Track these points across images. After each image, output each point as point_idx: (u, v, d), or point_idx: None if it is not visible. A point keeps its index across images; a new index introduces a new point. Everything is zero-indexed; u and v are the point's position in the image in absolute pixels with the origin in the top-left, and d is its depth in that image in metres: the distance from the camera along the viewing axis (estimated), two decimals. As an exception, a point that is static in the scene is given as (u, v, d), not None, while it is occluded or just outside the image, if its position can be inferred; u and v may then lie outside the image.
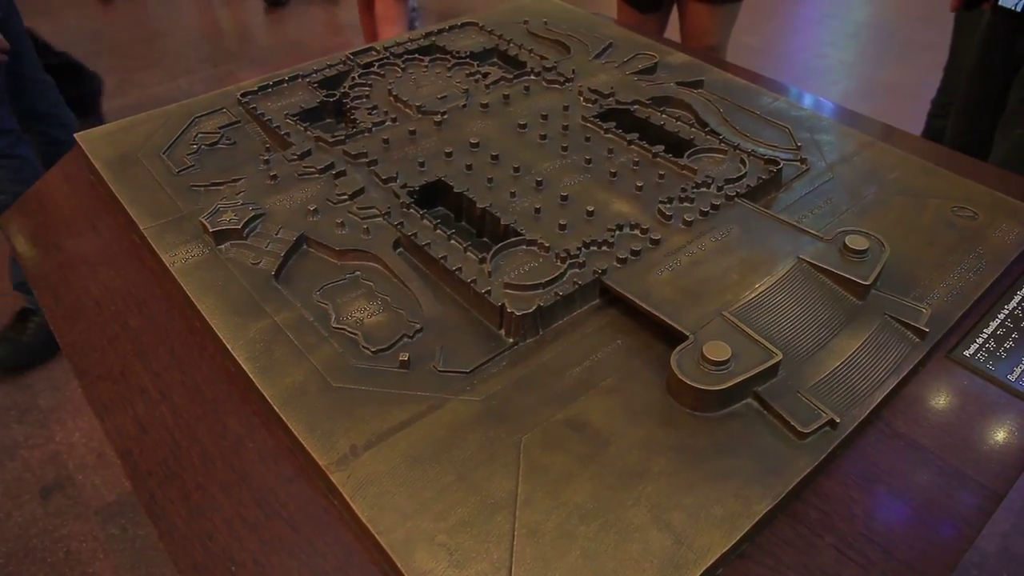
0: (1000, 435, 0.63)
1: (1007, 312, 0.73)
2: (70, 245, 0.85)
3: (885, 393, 0.62)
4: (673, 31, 1.82)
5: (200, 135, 0.93)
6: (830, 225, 0.80)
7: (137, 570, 1.32)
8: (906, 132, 1.04)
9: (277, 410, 0.61)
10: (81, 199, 0.91)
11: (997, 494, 0.58)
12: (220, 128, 0.94)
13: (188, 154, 0.90)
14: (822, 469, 0.59)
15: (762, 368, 0.60)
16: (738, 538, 0.52)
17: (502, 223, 0.76)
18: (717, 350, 0.60)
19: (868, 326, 0.66)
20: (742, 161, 0.85)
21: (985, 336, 0.70)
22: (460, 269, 0.70)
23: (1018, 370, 0.67)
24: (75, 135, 0.93)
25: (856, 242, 0.70)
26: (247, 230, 0.77)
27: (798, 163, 0.89)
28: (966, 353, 0.69)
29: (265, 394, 0.62)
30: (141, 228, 0.79)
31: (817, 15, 3.41)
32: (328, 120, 0.99)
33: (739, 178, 0.82)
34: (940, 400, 0.66)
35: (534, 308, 0.66)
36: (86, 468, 1.48)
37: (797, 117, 0.99)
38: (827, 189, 0.86)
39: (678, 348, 0.62)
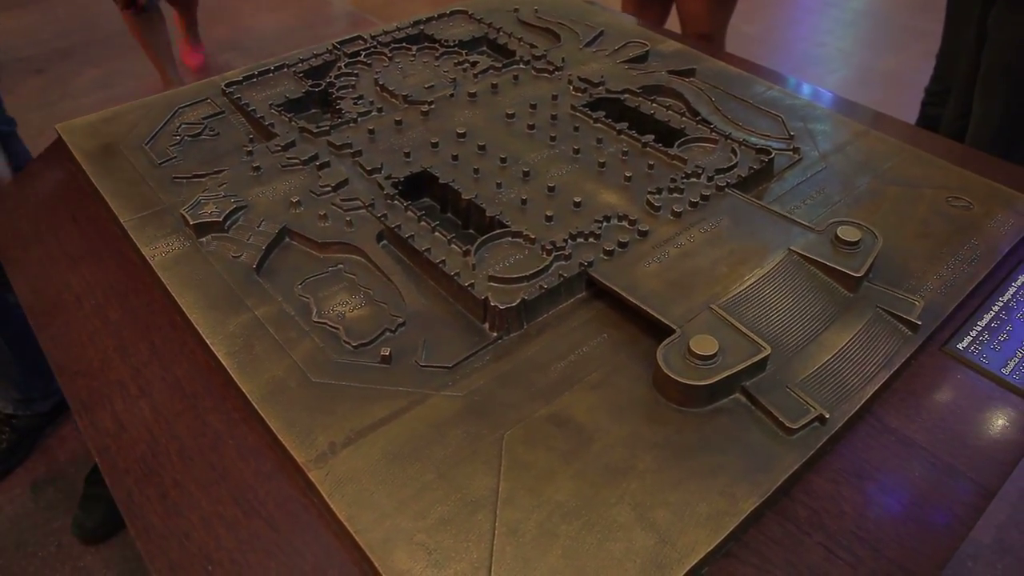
0: (993, 430, 0.62)
1: (1002, 304, 0.72)
2: (50, 238, 0.83)
3: (876, 388, 0.61)
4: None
5: (183, 126, 0.92)
6: (822, 216, 0.79)
7: (128, 564, 1.31)
8: (902, 121, 1.02)
9: (256, 406, 0.60)
10: (62, 191, 0.89)
11: (989, 490, 0.57)
12: (203, 119, 0.93)
13: (171, 145, 0.88)
14: (811, 465, 0.58)
15: (750, 362, 0.59)
16: (723, 537, 0.51)
17: (487, 215, 0.74)
18: (704, 344, 0.59)
19: (860, 319, 0.65)
20: (733, 151, 0.83)
21: (979, 329, 0.69)
22: (444, 262, 0.68)
23: (1012, 363, 0.66)
24: (56, 126, 0.92)
25: (848, 233, 0.69)
26: (229, 223, 0.75)
27: (791, 152, 0.87)
28: (959, 346, 0.68)
29: (244, 390, 0.61)
30: (122, 221, 0.78)
31: (816, 4, 3.38)
32: (314, 110, 0.97)
33: (730, 168, 0.81)
34: (932, 394, 0.64)
35: (518, 301, 0.64)
36: (77, 462, 1.47)
37: (791, 106, 0.97)
38: (820, 179, 0.84)
39: (664, 342, 0.60)
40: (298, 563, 0.53)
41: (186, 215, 0.75)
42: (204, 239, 0.75)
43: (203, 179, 0.82)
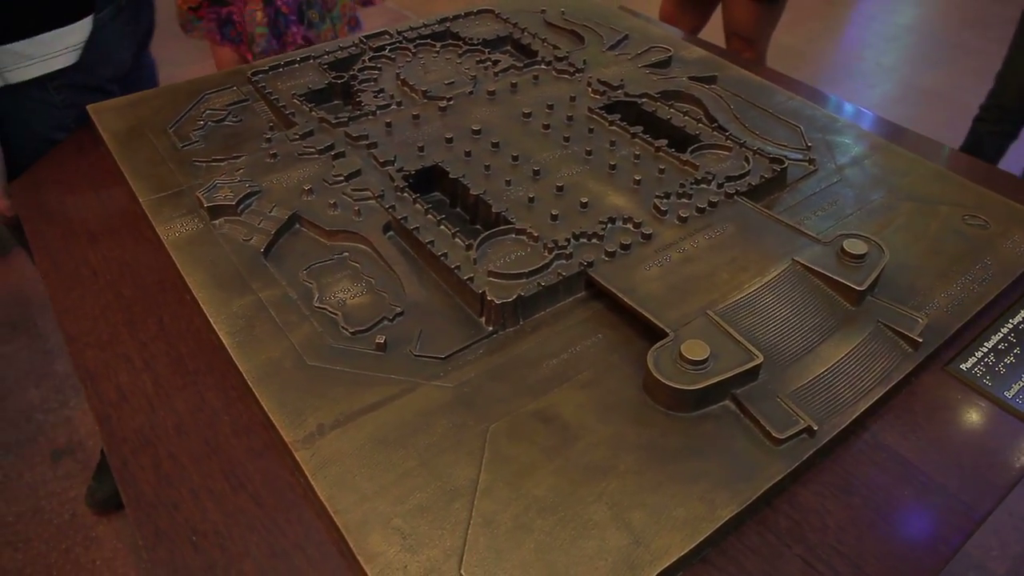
0: (990, 453, 0.60)
1: (1011, 327, 0.70)
2: (75, 214, 0.86)
3: (870, 403, 0.60)
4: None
5: (208, 112, 0.94)
6: (833, 228, 0.78)
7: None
8: (926, 136, 1.00)
9: (251, 385, 0.61)
10: (89, 170, 0.92)
11: (980, 514, 0.56)
12: (228, 106, 0.95)
13: (194, 130, 0.90)
14: (797, 477, 0.57)
15: (741, 370, 0.58)
16: (698, 542, 0.51)
17: (493, 211, 0.75)
18: (695, 349, 0.59)
19: (859, 333, 0.64)
20: (746, 159, 0.83)
21: (985, 350, 0.68)
22: (446, 255, 0.69)
23: (1016, 387, 0.65)
24: (88, 107, 0.95)
25: (854, 246, 0.68)
26: (241, 207, 0.77)
27: (806, 163, 0.87)
28: (963, 367, 0.66)
29: (241, 369, 0.62)
30: (140, 200, 0.80)
31: (860, 17, 3.33)
32: (336, 102, 0.99)
33: (741, 176, 0.80)
34: (931, 414, 0.63)
35: (514, 297, 0.65)
36: (96, 434, 1.51)
37: (811, 117, 0.96)
38: (834, 191, 0.83)
39: (656, 345, 0.60)
40: (279, 539, 0.54)
41: (201, 197, 0.77)
42: (217, 221, 0.77)
43: (221, 163, 0.84)
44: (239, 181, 0.80)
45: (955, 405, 0.64)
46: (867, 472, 0.59)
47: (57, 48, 0.95)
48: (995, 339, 0.69)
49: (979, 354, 0.67)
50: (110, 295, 0.75)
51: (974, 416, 0.63)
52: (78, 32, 0.96)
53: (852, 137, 0.93)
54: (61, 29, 0.94)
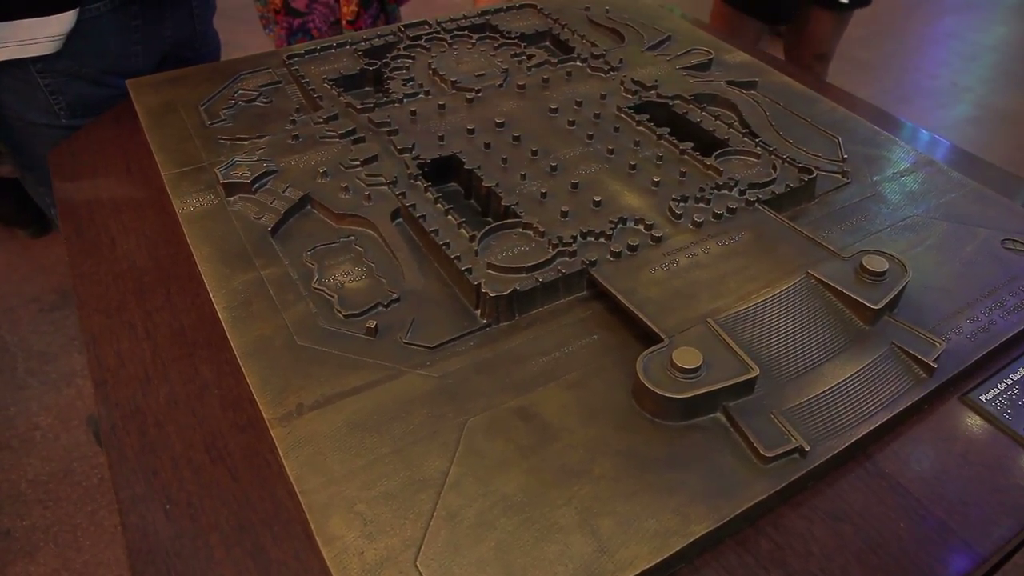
0: (1001, 492, 0.56)
1: (1043, 360, 0.65)
2: (103, 184, 0.88)
3: (872, 428, 0.57)
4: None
5: (240, 91, 0.95)
6: (858, 243, 0.74)
7: (160, 505, 1.38)
8: (980, 157, 0.95)
9: (239, 360, 0.61)
10: (124, 142, 0.95)
11: (981, 556, 0.52)
12: (260, 87, 0.96)
13: (224, 109, 0.92)
14: (784, 499, 0.54)
15: (733, 382, 0.56)
16: (666, 556, 0.48)
17: (503, 203, 0.74)
18: (687, 357, 0.56)
19: (870, 354, 0.61)
20: (773, 166, 0.79)
21: (1010, 382, 0.63)
22: (448, 244, 0.68)
23: (1040, 424, 0.60)
24: (127, 81, 0.97)
25: (874, 263, 0.65)
26: (256, 185, 0.78)
27: (839, 175, 0.83)
28: (982, 398, 0.62)
29: (232, 343, 0.63)
30: (162, 174, 0.82)
31: (938, 34, 3.19)
32: (367, 88, 0.99)
33: (766, 184, 0.77)
34: (940, 444, 0.59)
35: (509, 291, 0.64)
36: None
37: (853, 129, 0.92)
38: (865, 206, 0.79)
39: (648, 350, 0.58)
40: (247, 514, 0.54)
41: (218, 174, 0.78)
42: (232, 198, 0.77)
43: (245, 142, 0.85)
44: (257, 160, 0.80)
45: (968, 438, 0.60)
46: (862, 500, 0.55)
47: (34, 36, 0.91)
48: (1022, 371, 0.64)
49: (1002, 386, 0.63)
50: (125, 264, 0.77)
51: (988, 451, 0.59)
52: (56, 24, 0.92)
53: (895, 152, 0.89)
54: (39, 19, 0.90)
